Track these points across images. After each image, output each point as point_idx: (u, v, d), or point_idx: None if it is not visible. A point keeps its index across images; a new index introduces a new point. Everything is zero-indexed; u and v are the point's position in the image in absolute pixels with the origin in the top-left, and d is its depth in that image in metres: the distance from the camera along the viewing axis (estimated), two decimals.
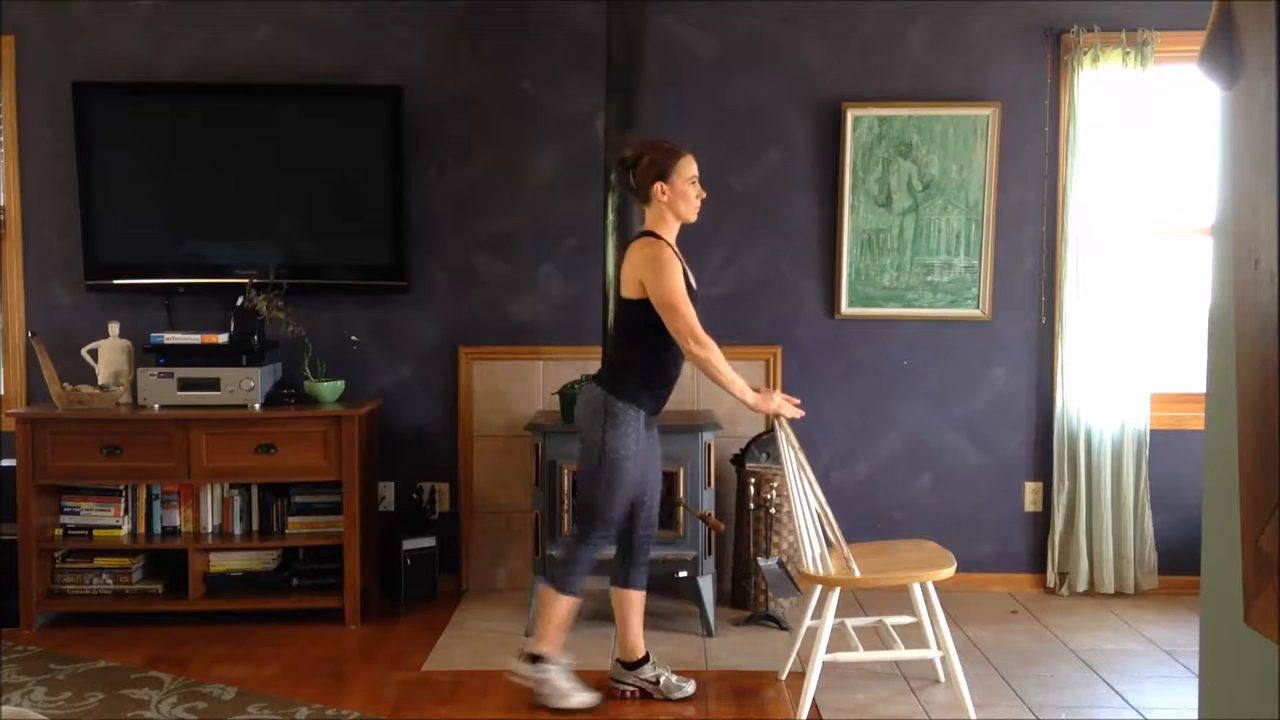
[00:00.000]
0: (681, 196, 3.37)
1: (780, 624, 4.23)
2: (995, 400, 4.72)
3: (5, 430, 4.43)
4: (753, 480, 4.34)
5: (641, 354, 3.37)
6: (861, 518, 4.70)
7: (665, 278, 3.27)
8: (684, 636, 4.11)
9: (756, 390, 3.41)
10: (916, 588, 3.50)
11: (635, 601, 3.54)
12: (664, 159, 3.36)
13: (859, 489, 4.74)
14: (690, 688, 3.54)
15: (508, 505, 4.72)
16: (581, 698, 3.43)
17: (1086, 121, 4.51)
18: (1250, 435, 1.29)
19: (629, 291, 3.35)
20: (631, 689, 3.53)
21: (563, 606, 3.41)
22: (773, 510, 4.31)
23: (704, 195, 3.45)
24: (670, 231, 3.40)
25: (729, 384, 3.33)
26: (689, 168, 3.39)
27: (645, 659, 3.55)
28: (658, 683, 3.51)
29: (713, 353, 3.30)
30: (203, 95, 4.54)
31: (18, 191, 4.62)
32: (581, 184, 4.59)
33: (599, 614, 4.37)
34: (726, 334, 4.66)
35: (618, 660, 3.58)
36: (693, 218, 3.44)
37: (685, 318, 3.27)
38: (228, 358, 4.33)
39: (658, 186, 3.35)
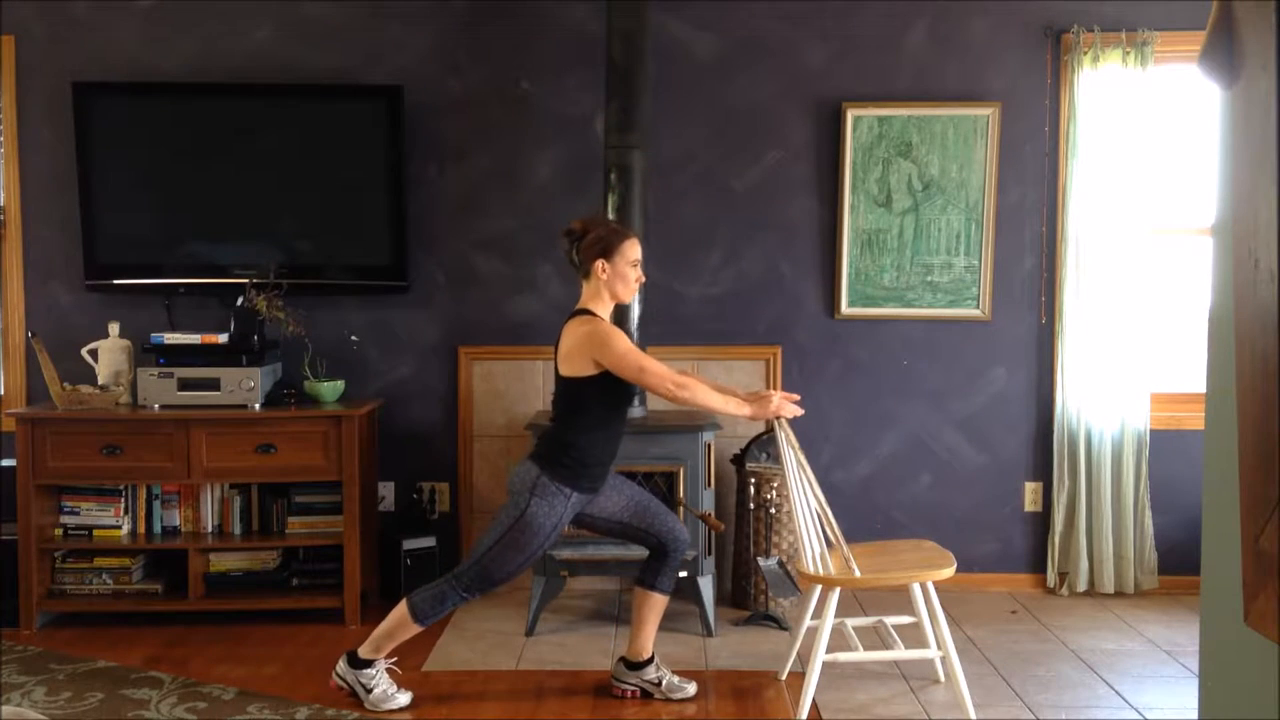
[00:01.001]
0: (620, 277, 3.37)
1: (780, 624, 4.23)
2: (995, 400, 4.72)
3: (5, 430, 4.43)
4: (753, 480, 4.34)
5: (582, 434, 3.35)
6: (861, 518, 4.70)
7: (617, 345, 3.26)
8: (684, 636, 4.12)
9: (752, 395, 3.41)
10: (916, 588, 3.50)
11: (658, 605, 3.54)
12: (610, 238, 3.37)
13: (859, 489, 4.74)
14: (691, 689, 3.54)
15: None
16: (403, 699, 3.45)
17: (1086, 121, 4.51)
18: (1250, 435, 1.29)
19: (570, 369, 3.33)
20: (633, 688, 3.53)
21: (408, 632, 3.41)
22: (773, 510, 4.31)
23: (643, 279, 3.47)
24: (605, 309, 3.41)
25: (722, 408, 3.33)
26: (633, 250, 3.39)
27: (650, 660, 3.55)
28: (659, 684, 3.52)
29: (697, 389, 3.30)
30: (203, 95, 4.54)
31: (18, 191, 4.62)
32: (581, 184, 4.59)
33: (599, 614, 4.38)
34: (726, 334, 4.69)
35: (622, 659, 3.58)
36: (628, 299, 3.47)
37: (656, 372, 3.27)
38: (228, 358, 4.33)
39: (599, 264, 3.35)
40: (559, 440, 3.37)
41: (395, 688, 3.46)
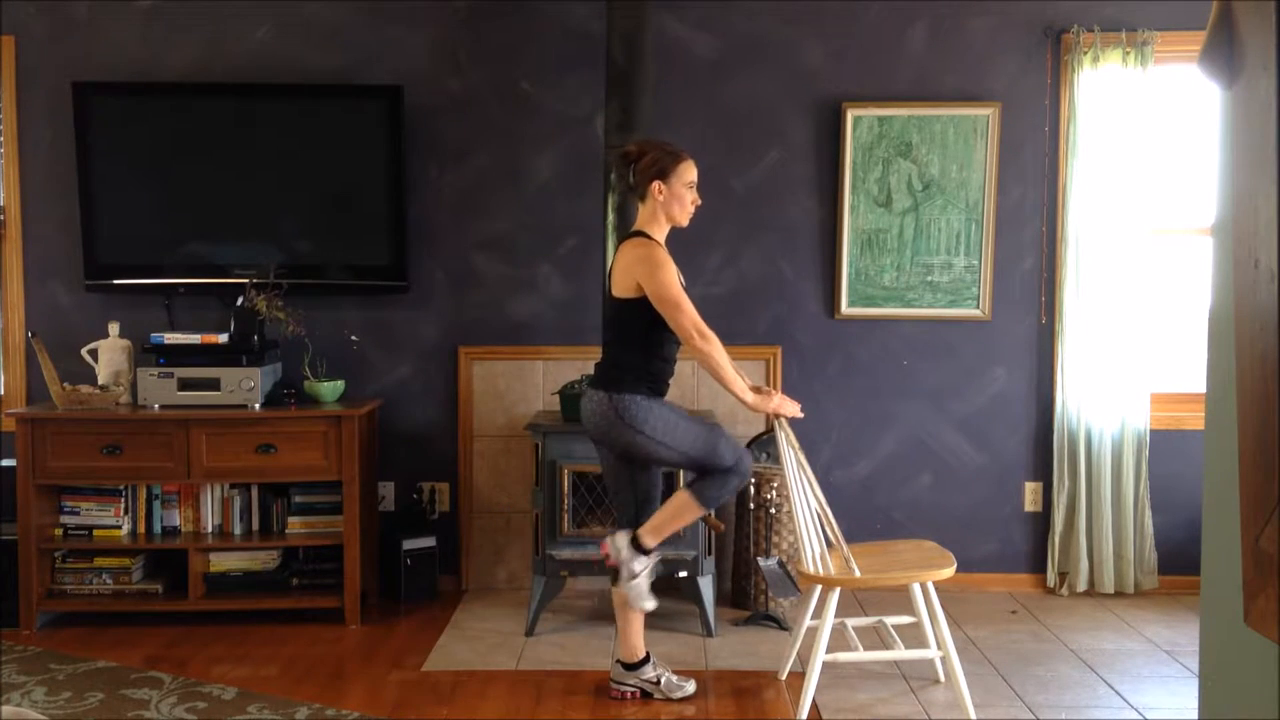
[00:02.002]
0: (677, 199, 3.39)
1: (780, 624, 4.23)
2: (995, 400, 4.72)
3: (5, 430, 4.43)
4: (753, 480, 4.34)
5: (637, 354, 3.38)
6: (861, 518, 4.70)
7: (663, 274, 3.29)
8: (684, 636, 4.12)
9: (757, 390, 3.42)
10: (916, 588, 3.50)
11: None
12: (666, 159, 3.39)
13: (859, 489, 4.74)
14: (691, 687, 3.55)
15: (507, 505, 4.72)
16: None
17: (1086, 121, 4.51)
18: (1250, 435, 1.29)
19: (621, 291, 3.37)
20: (632, 689, 3.53)
21: (689, 514, 3.44)
22: (773, 510, 4.31)
23: (699, 203, 3.47)
24: (661, 232, 3.43)
25: (730, 382, 3.35)
26: (689, 172, 3.41)
27: (646, 659, 3.55)
28: (658, 683, 3.52)
29: (716, 348, 3.32)
30: (203, 95, 4.54)
31: (18, 191, 4.62)
32: (581, 184, 4.59)
33: (599, 614, 4.37)
34: (726, 334, 4.66)
35: (618, 661, 3.57)
36: (684, 222, 3.46)
37: (688, 313, 3.29)
38: (228, 358, 4.33)
39: (656, 185, 3.37)
40: (616, 363, 3.41)
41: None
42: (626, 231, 3.53)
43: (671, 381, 3.50)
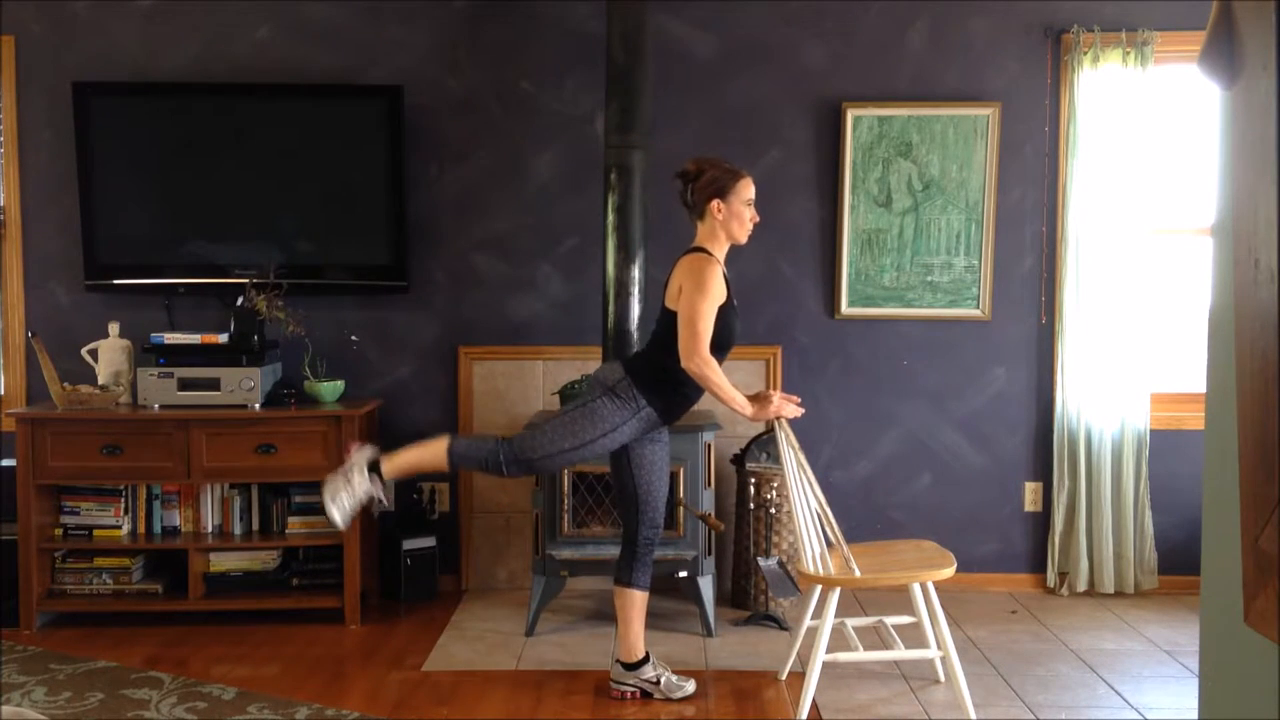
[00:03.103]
0: (736, 217, 3.40)
1: (780, 624, 4.23)
2: (995, 400, 4.72)
3: (5, 430, 4.43)
4: (753, 480, 4.34)
5: (674, 363, 3.36)
6: (861, 518, 4.70)
7: (701, 297, 3.29)
8: (684, 636, 4.11)
9: (754, 398, 3.42)
10: (916, 588, 3.50)
11: (638, 601, 3.52)
12: (725, 178, 3.39)
13: (859, 489, 4.74)
14: (690, 687, 3.54)
15: (508, 505, 4.72)
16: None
17: (1086, 121, 4.51)
18: (1250, 435, 1.29)
19: (672, 301, 3.37)
20: (632, 689, 3.52)
21: (433, 462, 3.44)
22: (773, 510, 4.31)
23: (758, 219, 3.48)
24: (721, 250, 3.43)
25: (729, 399, 3.35)
26: (747, 190, 3.42)
27: (645, 659, 3.54)
28: (658, 683, 3.51)
29: (712, 370, 3.31)
30: (203, 95, 4.54)
31: (18, 191, 4.62)
32: (581, 184, 4.59)
33: (599, 614, 4.37)
34: None
35: (618, 661, 3.57)
36: (744, 239, 3.46)
37: (698, 337, 3.28)
38: (228, 358, 4.33)
39: (715, 204, 3.37)
40: (653, 362, 3.41)
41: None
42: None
43: (689, 407, 3.50)
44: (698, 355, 3.28)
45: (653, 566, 3.58)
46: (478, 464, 3.44)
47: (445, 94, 4.65)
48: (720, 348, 3.39)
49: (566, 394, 4.22)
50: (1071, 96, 4.52)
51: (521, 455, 3.38)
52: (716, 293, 3.32)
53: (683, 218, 4.71)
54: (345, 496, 3.40)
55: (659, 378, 3.37)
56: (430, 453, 3.44)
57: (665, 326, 3.41)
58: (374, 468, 3.44)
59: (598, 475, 4.18)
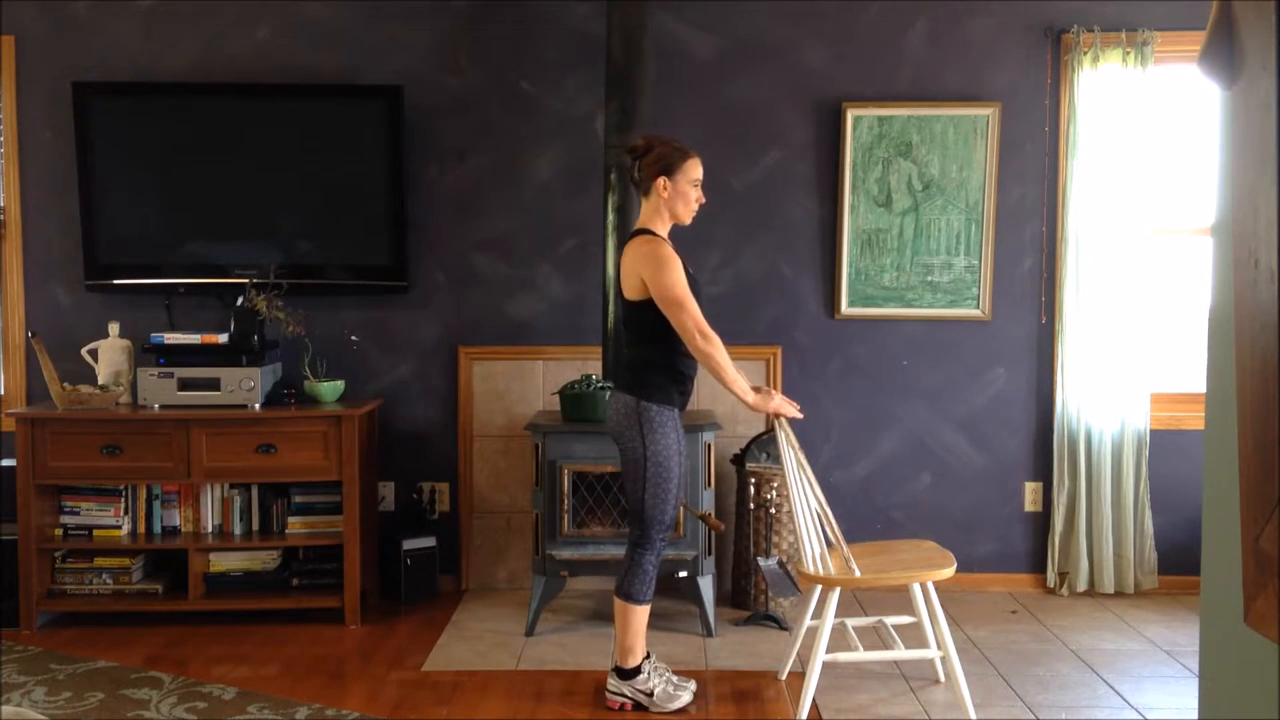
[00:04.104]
0: (681, 196, 3.38)
1: (780, 624, 4.23)
2: (995, 400, 4.72)
3: (5, 430, 4.43)
4: (753, 480, 4.34)
5: (659, 352, 3.36)
6: (861, 518, 4.70)
7: (667, 273, 3.27)
8: (684, 636, 4.11)
9: (757, 390, 3.41)
10: (916, 588, 3.50)
11: (631, 612, 3.44)
12: (672, 155, 3.38)
13: (859, 489, 4.74)
14: (687, 696, 3.47)
15: (508, 505, 4.72)
16: (686, 695, 3.47)
17: (1086, 121, 4.51)
18: (1250, 435, 1.29)
19: (632, 292, 3.35)
20: (625, 701, 3.45)
21: (640, 615, 3.41)
22: (773, 510, 4.31)
23: (704, 200, 3.46)
24: (664, 228, 3.41)
25: (731, 382, 3.33)
26: (695, 169, 3.40)
27: (640, 668, 3.46)
28: (652, 695, 3.44)
29: (717, 349, 3.30)
30: (203, 95, 4.54)
31: (18, 191, 4.62)
32: (581, 184, 4.59)
33: (599, 614, 4.37)
34: (726, 334, 4.66)
35: (614, 669, 3.49)
36: (687, 220, 3.44)
37: (691, 312, 3.27)
38: (228, 358, 4.33)
39: (661, 181, 3.36)
40: (640, 362, 3.39)
41: (674, 682, 3.49)
42: (629, 233, 3.51)
43: (696, 380, 3.48)
44: (699, 332, 3.27)
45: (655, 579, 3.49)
46: (649, 576, 3.42)
47: (445, 94, 4.65)
48: None
49: (566, 394, 4.21)
50: (1071, 96, 4.52)
51: (656, 534, 3.39)
52: (678, 264, 3.30)
53: None
54: (663, 686, 3.46)
55: (660, 375, 3.35)
56: (623, 617, 3.42)
57: (632, 320, 3.40)
58: (623, 674, 3.45)
59: (597, 475, 4.19)
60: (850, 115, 4.59)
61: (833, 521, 3.35)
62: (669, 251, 3.31)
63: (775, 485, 4.30)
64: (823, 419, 4.68)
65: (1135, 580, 4.59)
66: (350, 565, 4.23)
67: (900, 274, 4.66)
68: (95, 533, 4.32)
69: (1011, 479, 4.74)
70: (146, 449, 4.19)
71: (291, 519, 4.41)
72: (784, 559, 4.12)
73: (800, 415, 3.44)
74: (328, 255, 4.59)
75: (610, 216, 4.17)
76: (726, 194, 4.64)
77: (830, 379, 4.73)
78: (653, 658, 3.53)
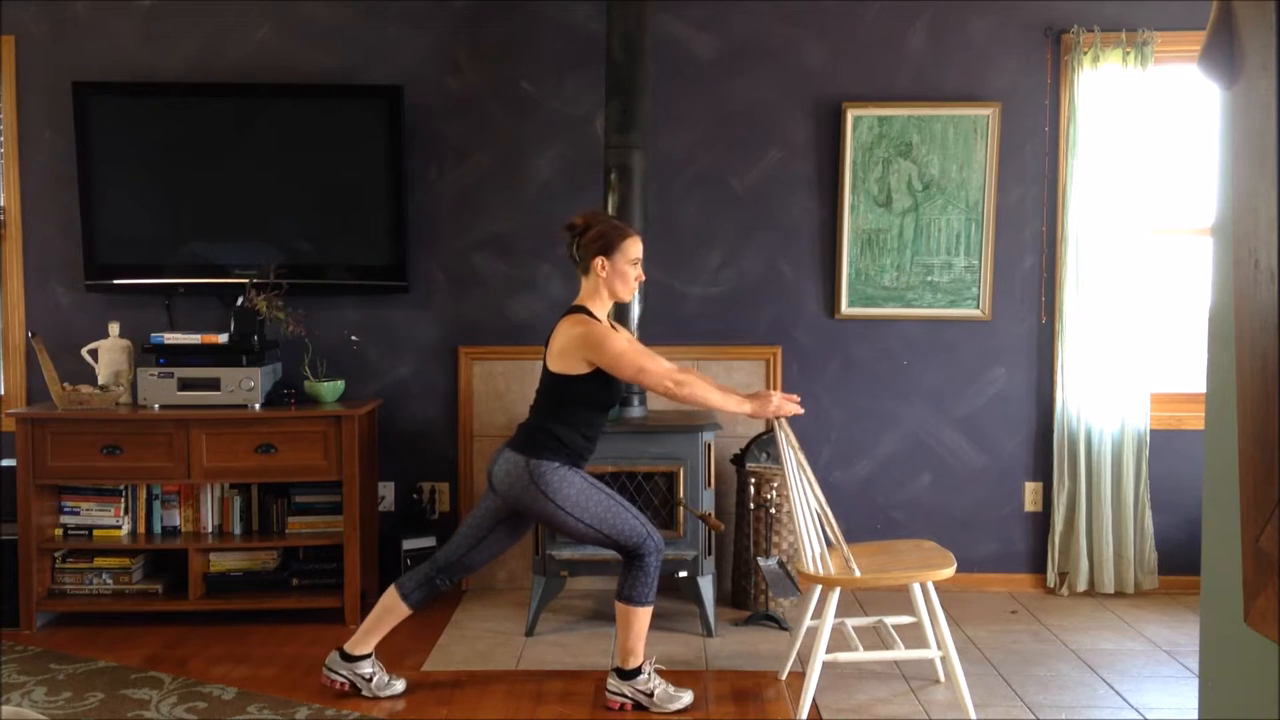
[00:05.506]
0: (620, 276, 3.37)
1: (780, 624, 4.23)
2: (995, 400, 4.72)
3: (5, 430, 4.43)
4: (753, 480, 4.34)
5: (565, 427, 3.35)
6: (861, 518, 4.70)
7: (612, 347, 3.26)
8: (684, 636, 4.11)
9: (753, 395, 3.41)
10: (916, 588, 3.50)
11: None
12: (611, 234, 3.37)
13: (859, 489, 4.74)
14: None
15: None
16: (686, 698, 3.47)
17: (1086, 121, 4.51)
18: (1250, 435, 1.29)
19: (560, 366, 3.33)
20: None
21: (642, 618, 3.42)
22: (773, 510, 4.31)
23: (643, 278, 3.47)
24: (603, 308, 3.41)
25: (723, 405, 3.34)
26: (634, 249, 3.39)
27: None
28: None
29: (696, 385, 3.30)
30: (203, 95, 4.54)
31: (18, 191, 4.62)
32: (581, 184, 4.59)
33: (599, 614, 4.37)
34: (726, 334, 4.69)
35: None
36: (627, 299, 3.46)
37: (655, 371, 3.27)
38: (228, 358, 4.33)
39: (599, 261, 3.35)
40: (538, 429, 3.37)
41: (674, 687, 3.47)
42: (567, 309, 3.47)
43: (590, 458, 3.48)
44: (673, 382, 3.27)
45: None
46: (652, 584, 3.43)
47: (445, 94, 4.65)
48: (603, 408, 3.40)
49: None
50: (1071, 96, 4.52)
51: (649, 544, 3.38)
52: (615, 334, 3.31)
53: (683, 218, 4.73)
54: (661, 687, 3.45)
55: (554, 443, 3.33)
56: (626, 621, 3.43)
57: (550, 391, 3.38)
58: (624, 674, 3.45)
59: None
60: (850, 115, 4.59)
61: (833, 521, 3.35)
62: (604, 329, 3.32)
63: (775, 485, 4.30)
64: (823, 419, 4.68)
65: (1135, 580, 4.59)
66: (350, 565, 4.23)
67: (900, 274, 4.66)
68: (95, 533, 4.32)
69: (1011, 479, 4.74)
70: (146, 449, 4.19)
71: (291, 519, 4.41)
72: (784, 559, 4.12)
73: (801, 410, 3.43)
74: (328, 255, 4.59)
75: (611, 214, 4.16)
76: (726, 194, 4.64)
77: (830, 379, 4.72)
78: (647, 669, 3.48)
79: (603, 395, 3.37)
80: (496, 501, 3.44)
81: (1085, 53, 4.50)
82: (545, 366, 3.40)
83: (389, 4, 4.62)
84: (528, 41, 4.63)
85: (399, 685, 3.57)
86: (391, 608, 3.53)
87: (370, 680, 3.52)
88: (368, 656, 3.55)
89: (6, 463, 4.36)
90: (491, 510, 3.47)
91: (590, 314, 3.37)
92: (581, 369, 3.30)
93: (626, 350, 3.28)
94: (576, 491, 3.32)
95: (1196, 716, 1.57)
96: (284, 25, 4.62)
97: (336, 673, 3.54)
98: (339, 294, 4.64)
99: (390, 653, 3.96)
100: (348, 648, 3.55)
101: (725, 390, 3.39)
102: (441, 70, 4.64)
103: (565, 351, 3.31)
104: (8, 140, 4.61)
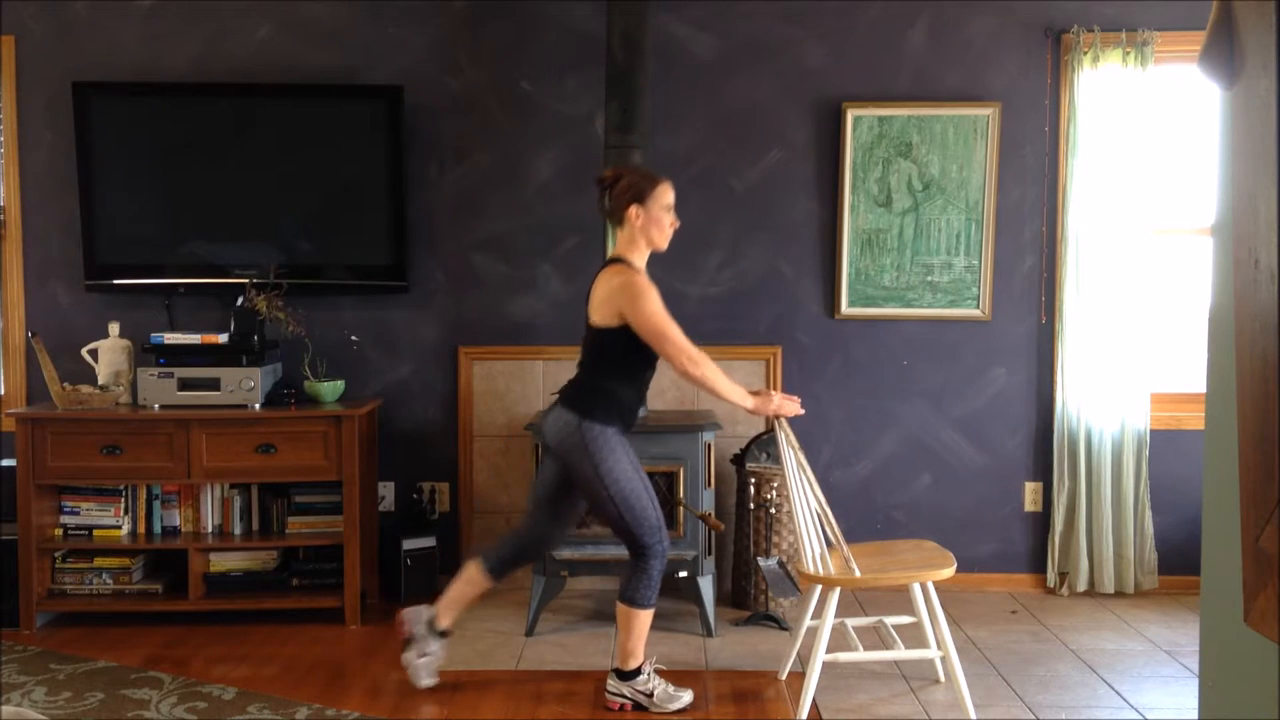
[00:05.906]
0: (655, 222, 3.36)
1: (780, 624, 4.23)
2: (995, 400, 4.72)
3: (5, 430, 4.43)
4: (753, 480, 4.34)
5: (614, 381, 3.36)
6: (861, 518, 4.70)
7: (645, 303, 3.25)
8: (684, 636, 4.11)
9: (755, 393, 3.41)
10: (916, 588, 3.50)
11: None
12: (642, 182, 3.37)
13: (859, 489, 4.74)
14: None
15: (508, 505, 4.72)
16: (686, 697, 3.46)
17: (1086, 121, 4.51)
18: (1250, 435, 1.29)
19: (600, 319, 3.34)
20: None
21: (643, 620, 3.41)
22: (773, 510, 4.31)
23: (678, 224, 3.45)
24: (641, 257, 3.40)
25: (728, 394, 3.34)
26: (666, 195, 3.38)
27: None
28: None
29: (708, 368, 3.30)
30: (203, 95, 4.54)
31: (18, 191, 4.62)
32: (581, 184, 4.59)
33: (599, 614, 4.37)
34: (726, 334, 4.68)
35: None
36: (664, 246, 3.43)
37: (676, 341, 3.27)
38: (228, 358, 4.33)
39: (633, 209, 3.34)
40: (588, 387, 3.38)
41: (673, 687, 3.47)
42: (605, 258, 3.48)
43: (639, 414, 3.48)
44: (690, 359, 3.27)
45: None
46: (655, 580, 3.41)
47: (445, 94, 4.65)
48: (649, 360, 3.39)
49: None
50: (1071, 96, 4.52)
51: (653, 540, 3.37)
52: (655, 293, 3.30)
53: (683, 218, 4.70)
54: (661, 696, 3.44)
55: (604, 401, 3.33)
56: (625, 622, 3.42)
57: (595, 346, 3.39)
58: (623, 675, 3.44)
59: None
60: (850, 115, 4.59)
61: (833, 521, 3.35)
62: (645, 281, 3.30)
63: (775, 485, 4.30)
64: (823, 419, 4.68)
65: (1135, 580, 4.59)
66: (350, 565, 4.23)
67: (900, 274, 4.66)
68: (95, 533, 4.32)
69: (1011, 479, 4.74)
70: (146, 449, 4.19)
71: (291, 519, 4.41)
72: (784, 559, 4.12)
73: (801, 411, 3.44)
74: (328, 255, 4.59)
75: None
76: (726, 194, 4.64)
77: (830, 379, 4.73)
78: (647, 670, 3.48)
79: (647, 347, 3.34)
80: (553, 469, 3.45)
81: (1085, 53, 4.50)
82: (588, 323, 3.40)
83: (389, 4, 4.62)
84: (528, 41, 4.63)
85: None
86: (473, 579, 3.58)
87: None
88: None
89: (6, 463, 4.36)
90: (550, 475, 3.48)
91: (630, 265, 3.36)
92: (614, 322, 3.29)
93: (659, 312, 3.27)
94: (618, 464, 3.31)
95: (1196, 716, 1.57)
96: (284, 25, 4.62)
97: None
98: (339, 294, 4.64)
99: (391, 653, 3.96)
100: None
101: (732, 382, 3.39)
102: (441, 70, 4.64)
103: (606, 303, 3.31)
104: (8, 140, 4.61)
